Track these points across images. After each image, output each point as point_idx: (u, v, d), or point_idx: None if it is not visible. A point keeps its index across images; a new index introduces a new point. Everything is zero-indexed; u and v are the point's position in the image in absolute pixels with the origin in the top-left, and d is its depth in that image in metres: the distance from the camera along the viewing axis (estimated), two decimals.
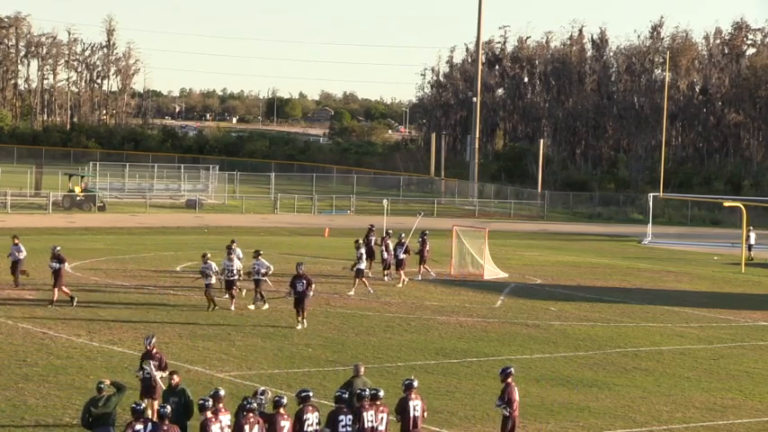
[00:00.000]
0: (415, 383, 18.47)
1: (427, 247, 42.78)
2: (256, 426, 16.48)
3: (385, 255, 41.13)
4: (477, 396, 24.14)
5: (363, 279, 37.91)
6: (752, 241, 57.80)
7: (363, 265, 38.03)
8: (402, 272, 40.47)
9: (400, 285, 39.94)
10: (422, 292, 39.34)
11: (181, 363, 25.73)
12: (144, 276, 39.82)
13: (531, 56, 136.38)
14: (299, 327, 30.32)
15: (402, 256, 40.51)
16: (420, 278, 42.13)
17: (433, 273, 42.87)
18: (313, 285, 30.80)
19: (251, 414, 16.50)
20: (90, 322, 30.23)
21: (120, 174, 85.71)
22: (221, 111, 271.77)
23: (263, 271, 33.40)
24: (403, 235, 41.20)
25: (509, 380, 19.36)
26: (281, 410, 16.87)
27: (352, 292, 37.32)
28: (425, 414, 18.44)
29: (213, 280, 32.67)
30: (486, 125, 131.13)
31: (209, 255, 33.10)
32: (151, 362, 19.74)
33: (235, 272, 32.85)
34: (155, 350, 20.15)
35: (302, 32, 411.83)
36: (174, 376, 18.16)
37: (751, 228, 58.34)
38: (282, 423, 16.77)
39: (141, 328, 29.83)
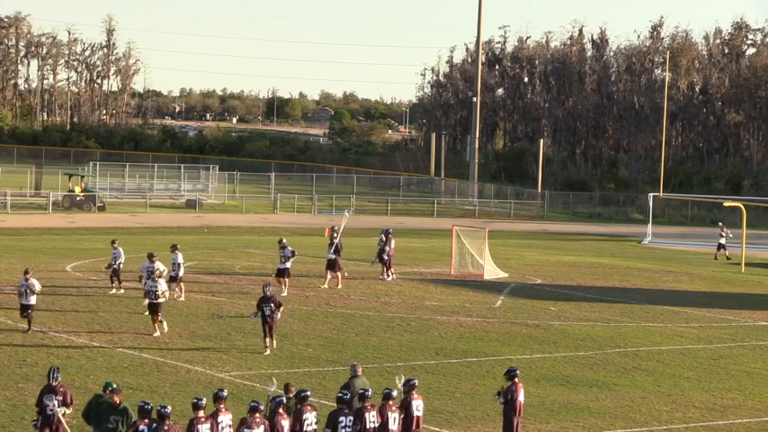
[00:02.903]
0: (414, 382, 18.55)
1: (392, 246, 41.67)
2: (262, 426, 16.57)
3: (385, 256, 40.97)
4: (477, 396, 24.14)
5: (286, 279, 36.47)
6: (722, 240, 58.26)
7: (289, 265, 36.61)
8: (337, 273, 38.56)
9: (325, 286, 38.14)
10: (422, 292, 39.33)
11: (181, 363, 25.76)
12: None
13: (531, 56, 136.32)
14: (268, 351, 27.32)
15: (332, 256, 38.44)
16: (392, 277, 41.32)
17: (388, 275, 41.56)
18: (281, 308, 27.78)
19: (257, 414, 16.58)
20: (90, 322, 30.24)
21: (120, 174, 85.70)
22: (221, 111, 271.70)
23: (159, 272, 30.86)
24: (335, 235, 39.02)
25: (515, 380, 19.42)
26: (281, 410, 16.91)
27: (285, 293, 35.73)
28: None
29: (33, 300, 28.65)
30: (486, 125, 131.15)
31: (30, 269, 29.76)
32: (54, 397, 17.81)
33: (159, 293, 28.94)
34: (59, 385, 18.05)
35: (302, 32, 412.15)
36: (115, 396, 17.14)
37: (723, 227, 59.28)
38: (283, 422, 16.81)
39: (141, 328, 29.86)
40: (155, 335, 28.71)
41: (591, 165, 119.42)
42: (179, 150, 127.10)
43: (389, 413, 17.57)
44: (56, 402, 17.74)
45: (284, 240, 37.55)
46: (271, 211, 77.42)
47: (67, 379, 23.67)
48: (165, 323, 29.25)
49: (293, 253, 36.71)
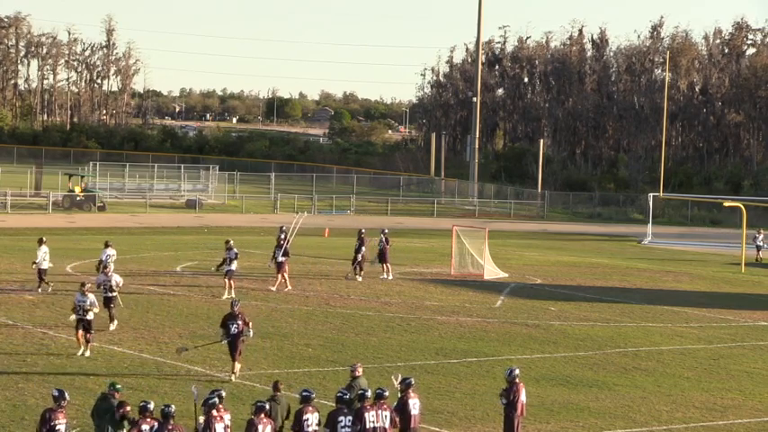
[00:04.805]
0: (411, 381, 18.68)
1: (389, 246, 41.60)
2: (269, 426, 16.68)
3: (359, 255, 40.59)
4: (477, 396, 24.15)
5: (231, 280, 35.38)
6: (759, 242, 58.17)
7: (234, 266, 35.40)
8: (283, 275, 37.43)
9: (273, 288, 37.10)
10: (422, 292, 39.32)
11: (181, 363, 25.75)
12: (144, 276, 39.83)
13: (530, 56, 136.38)
14: (233, 378, 24.41)
15: (281, 259, 37.31)
16: (390, 277, 41.25)
17: (390, 275, 41.52)
18: (250, 326, 25.08)
19: (262, 414, 16.61)
20: None
21: (120, 174, 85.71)
22: (221, 111, 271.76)
23: (112, 285, 29.44)
24: (283, 236, 37.82)
25: (516, 380, 19.44)
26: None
27: (225, 296, 34.68)
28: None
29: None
30: (486, 125, 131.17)
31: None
32: (63, 419, 16.73)
33: (88, 307, 26.36)
34: (65, 406, 17.03)
35: (302, 32, 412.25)
36: (127, 407, 16.87)
37: (760, 229, 59.51)
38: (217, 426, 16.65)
39: (141, 328, 29.86)
40: (79, 353, 26.09)
41: (591, 165, 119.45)
42: (179, 150, 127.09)
43: (381, 411, 17.61)
44: (66, 425, 16.86)
45: (231, 242, 36.42)
46: (271, 211, 77.40)
47: (68, 379, 23.76)
48: (88, 348, 26.33)
49: (236, 255, 35.54)
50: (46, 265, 35.03)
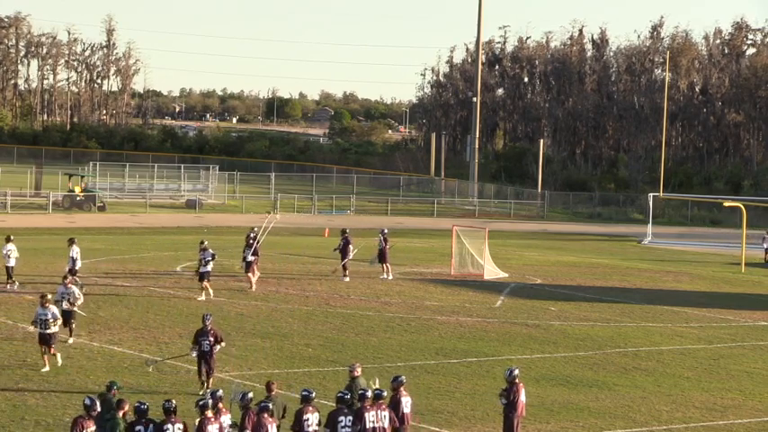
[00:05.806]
0: (402, 379, 18.86)
1: (388, 246, 41.65)
2: (275, 424, 16.81)
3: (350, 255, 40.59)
4: (477, 396, 24.15)
5: (207, 283, 34.73)
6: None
7: (209, 268, 34.74)
8: (250, 276, 36.99)
9: (253, 289, 36.69)
10: (422, 292, 39.31)
11: (181, 363, 25.72)
12: (144, 276, 39.83)
13: (531, 56, 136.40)
14: (202, 392, 22.06)
15: (250, 258, 36.89)
16: (390, 277, 41.25)
17: (390, 275, 41.52)
18: (222, 343, 23.68)
19: (266, 414, 16.64)
20: (90, 322, 30.19)
21: (120, 174, 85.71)
22: (221, 111, 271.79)
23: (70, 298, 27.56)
24: (252, 236, 37.46)
25: (515, 380, 19.45)
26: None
27: (202, 297, 34.51)
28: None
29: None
30: (486, 125, 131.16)
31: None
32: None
33: (50, 321, 24.92)
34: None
35: (302, 32, 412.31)
36: (126, 406, 16.88)
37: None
38: (209, 427, 16.61)
39: (141, 328, 29.86)
40: (43, 370, 24.53)
41: (591, 165, 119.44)
42: (179, 150, 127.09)
43: (380, 412, 17.63)
44: None
45: (205, 243, 35.92)
46: (271, 211, 77.33)
47: (68, 379, 23.79)
48: (59, 356, 25.10)
49: (213, 256, 34.94)
50: (12, 262, 35.22)
